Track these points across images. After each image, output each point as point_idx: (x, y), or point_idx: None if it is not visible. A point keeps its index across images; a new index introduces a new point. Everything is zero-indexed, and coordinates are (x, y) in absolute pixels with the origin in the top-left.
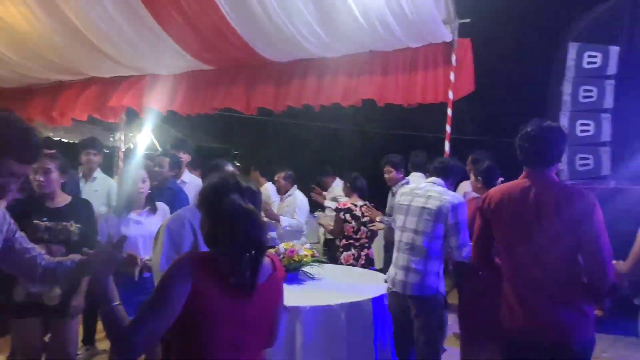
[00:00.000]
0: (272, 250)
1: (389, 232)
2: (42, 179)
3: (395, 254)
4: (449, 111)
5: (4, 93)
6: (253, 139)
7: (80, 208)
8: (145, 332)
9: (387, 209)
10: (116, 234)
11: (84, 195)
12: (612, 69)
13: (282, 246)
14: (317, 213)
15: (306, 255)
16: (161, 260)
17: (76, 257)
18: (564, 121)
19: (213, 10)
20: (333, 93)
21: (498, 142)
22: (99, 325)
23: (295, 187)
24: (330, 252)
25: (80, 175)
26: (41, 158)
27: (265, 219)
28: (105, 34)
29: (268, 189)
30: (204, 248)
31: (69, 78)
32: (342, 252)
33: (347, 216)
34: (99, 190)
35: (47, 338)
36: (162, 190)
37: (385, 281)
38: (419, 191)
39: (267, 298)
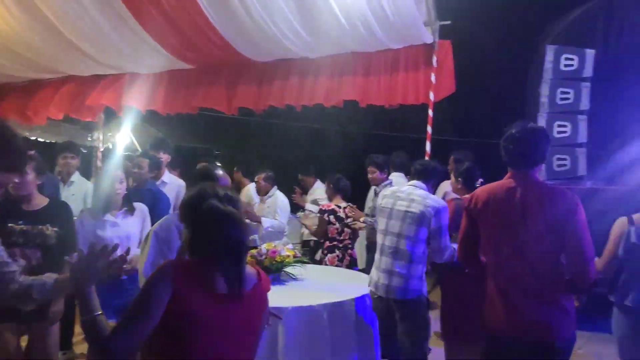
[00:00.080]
0: (254, 251)
1: (372, 232)
2: (17, 180)
3: (377, 257)
4: (430, 112)
5: None
6: (235, 139)
7: (58, 211)
8: (126, 341)
9: (368, 210)
10: (92, 236)
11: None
12: (588, 71)
13: (264, 247)
14: (299, 213)
15: (288, 256)
16: (145, 266)
17: (53, 276)
18: (541, 122)
19: (193, 9)
20: (315, 93)
21: (478, 143)
22: (77, 329)
23: (275, 187)
24: (309, 253)
25: (59, 179)
26: (25, 166)
27: (247, 221)
28: (84, 32)
29: (250, 190)
30: None
31: (45, 76)
32: (326, 254)
33: (331, 217)
34: (76, 194)
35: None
36: (142, 192)
37: (369, 285)
38: (401, 194)
39: (252, 308)
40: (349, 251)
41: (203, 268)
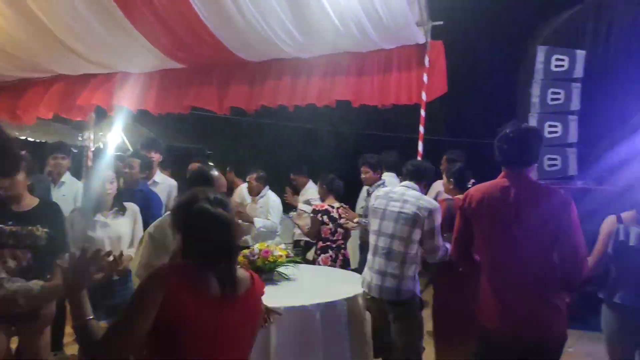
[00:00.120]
0: (246, 251)
1: (365, 232)
2: (7, 183)
3: (370, 258)
4: (423, 112)
5: None
6: (227, 139)
7: (48, 212)
8: (118, 345)
9: (360, 209)
10: (82, 237)
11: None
12: (578, 72)
13: (256, 247)
14: (292, 213)
15: (281, 256)
16: (138, 267)
17: (40, 283)
18: (532, 123)
19: (185, 8)
20: (308, 93)
21: (470, 143)
22: (68, 329)
23: (267, 187)
24: (301, 252)
25: (50, 179)
26: (18, 170)
27: (239, 221)
28: (74, 30)
29: (243, 191)
30: None
31: (35, 75)
32: (319, 255)
33: (325, 218)
34: (67, 194)
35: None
36: (134, 192)
37: (362, 286)
38: (394, 195)
39: (245, 311)
40: (342, 251)
41: (195, 271)
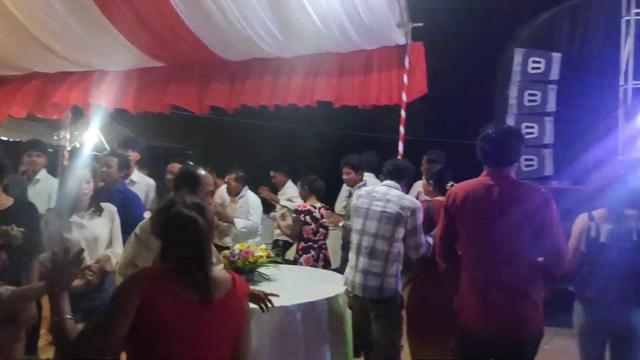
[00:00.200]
0: (226, 252)
1: (347, 233)
2: None
3: (353, 257)
4: (403, 113)
5: None
6: (207, 139)
7: (24, 211)
8: (96, 345)
9: (340, 209)
10: (58, 238)
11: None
12: (554, 74)
13: (237, 247)
14: (273, 213)
15: (261, 256)
16: (121, 266)
17: (10, 288)
18: (510, 123)
19: (165, 6)
20: (289, 93)
21: (449, 144)
22: (43, 333)
23: (246, 187)
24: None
25: (25, 178)
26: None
27: (219, 222)
28: (50, 27)
29: (224, 191)
30: None
31: (8, 73)
32: (301, 255)
33: (307, 218)
34: (41, 192)
35: None
36: (112, 193)
37: (345, 284)
38: (377, 194)
39: (225, 314)
40: (324, 251)
41: (173, 276)
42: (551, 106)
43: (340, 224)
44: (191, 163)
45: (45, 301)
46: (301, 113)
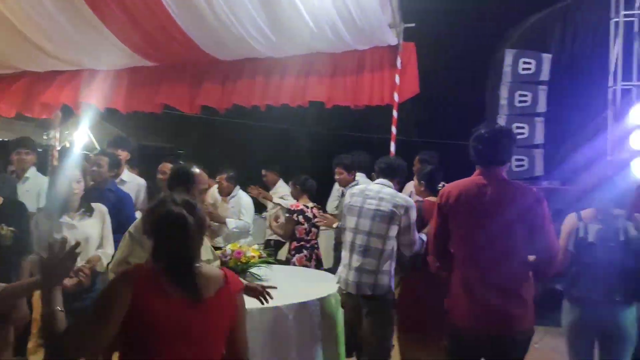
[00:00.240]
0: (218, 252)
1: (339, 233)
2: None
3: (346, 255)
4: (395, 113)
5: None
6: (199, 139)
7: (13, 211)
8: (80, 341)
9: (332, 209)
10: (48, 239)
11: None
12: (545, 75)
13: (229, 247)
14: (265, 213)
15: (253, 257)
16: (114, 264)
17: (1, 285)
18: (501, 124)
19: (157, 6)
20: (281, 93)
21: (441, 144)
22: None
23: (238, 187)
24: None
25: (14, 176)
26: None
27: (211, 222)
28: (40, 26)
29: (215, 191)
30: None
31: None
32: (294, 254)
33: (300, 218)
34: (30, 190)
35: None
36: (103, 192)
37: (338, 282)
38: (370, 193)
39: (217, 312)
40: (316, 251)
41: (164, 274)
42: (541, 107)
43: (335, 225)
44: (182, 163)
45: (36, 302)
46: (293, 113)
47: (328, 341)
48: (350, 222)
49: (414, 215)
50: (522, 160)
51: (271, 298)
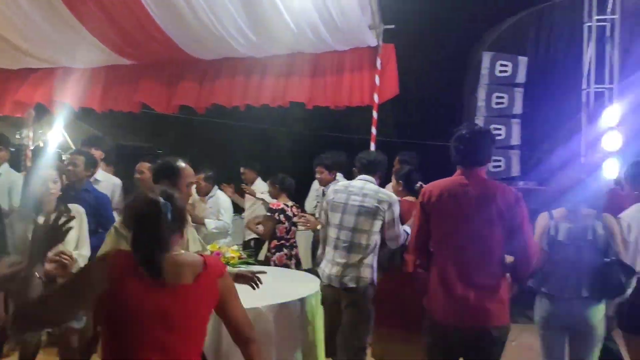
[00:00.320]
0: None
1: (317, 231)
2: None
3: (330, 251)
4: (375, 114)
5: None
6: (178, 138)
7: None
8: (49, 311)
9: (312, 209)
10: (23, 240)
11: None
12: (521, 77)
13: (208, 248)
14: (244, 214)
15: (233, 257)
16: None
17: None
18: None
19: (134, 3)
20: (261, 94)
21: (420, 145)
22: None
23: (216, 187)
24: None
25: None
26: None
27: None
28: (12, 22)
29: (194, 192)
30: None
31: None
32: (274, 253)
33: (281, 217)
34: (2, 186)
35: None
36: (79, 192)
37: (321, 277)
38: (354, 189)
39: (195, 298)
40: (295, 249)
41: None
42: (518, 108)
43: (318, 227)
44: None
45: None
46: (274, 113)
47: (308, 342)
48: (335, 218)
49: (397, 209)
50: (499, 160)
51: (261, 283)
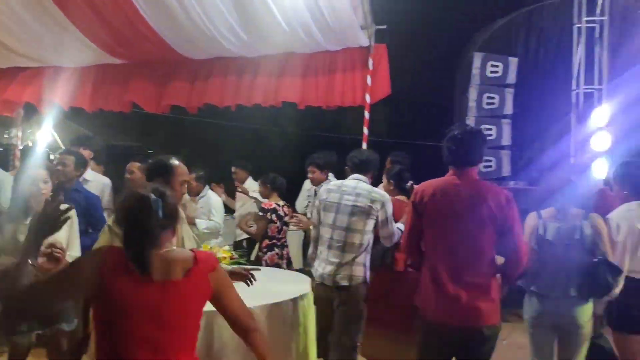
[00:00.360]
0: None
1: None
2: None
3: (324, 250)
4: (366, 114)
5: None
6: (169, 138)
7: None
8: (37, 299)
9: (302, 208)
10: (12, 242)
11: None
12: (511, 78)
13: (202, 246)
14: (235, 214)
15: (225, 258)
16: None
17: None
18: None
19: (124, 2)
20: (253, 93)
21: (411, 145)
22: None
23: (207, 187)
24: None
25: None
26: None
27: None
28: (3, 22)
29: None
30: None
31: None
32: (265, 252)
33: (273, 216)
34: None
35: None
36: (69, 192)
37: (312, 277)
38: (347, 189)
39: (187, 294)
40: (286, 249)
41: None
42: (508, 109)
43: (311, 227)
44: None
45: None
46: (266, 113)
47: (300, 342)
48: (328, 218)
49: (390, 208)
50: (490, 160)
51: (255, 280)
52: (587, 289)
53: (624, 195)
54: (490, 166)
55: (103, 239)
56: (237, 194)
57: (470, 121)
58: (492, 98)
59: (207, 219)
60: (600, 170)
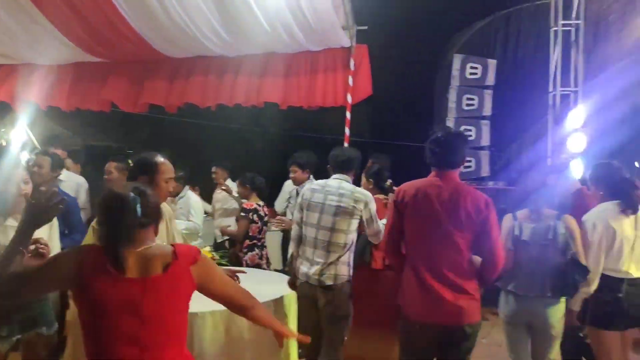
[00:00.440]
0: None
1: (287, 231)
2: None
3: (309, 250)
4: (348, 114)
5: None
6: (149, 138)
7: None
8: (16, 286)
9: (284, 208)
10: None
11: None
12: (490, 80)
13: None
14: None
15: None
16: None
17: None
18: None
19: (104, 2)
20: (235, 93)
21: (392, 145)
22: None
23: (187, 187)
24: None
25: None
26: None
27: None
28: None
29: None
30: None
31: None
32: (246, 253)
33: (255, 217)
34: None
35: None
36: None
37: (296, 276)
38: (331, 189)
39: (168, 289)
40: (265, 249)
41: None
42: (487, 110)
43: (293, 226)
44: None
45: None
46: (247, 113)
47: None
48: (312, 218)
49: (373, 207)
50: (470, 161)
51: (239, 281)
52: (559, 288)
53: (601, 195)
54: (470, 166)
55: (87, 239)
56: (215, 194)
57: (450, 122)
58: (472, 99)
59: (186, 220)
60: (576, 171)
